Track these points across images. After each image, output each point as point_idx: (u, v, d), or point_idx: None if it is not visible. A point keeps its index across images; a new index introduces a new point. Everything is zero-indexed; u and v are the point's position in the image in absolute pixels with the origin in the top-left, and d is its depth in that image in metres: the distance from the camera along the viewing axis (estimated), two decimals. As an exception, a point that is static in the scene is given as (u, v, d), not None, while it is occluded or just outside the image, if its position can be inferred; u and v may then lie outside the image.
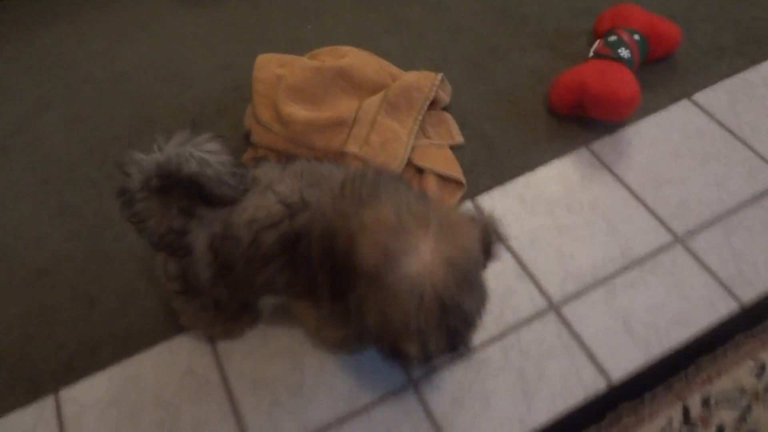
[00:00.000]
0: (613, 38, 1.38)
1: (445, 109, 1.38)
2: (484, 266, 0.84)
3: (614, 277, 1.17)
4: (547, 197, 1.27)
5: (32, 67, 1.56)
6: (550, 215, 1.25)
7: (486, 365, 1.07)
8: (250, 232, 0.86)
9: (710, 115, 1.39)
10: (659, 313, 1.12)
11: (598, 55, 1.37)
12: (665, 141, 1.35)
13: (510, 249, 1.20)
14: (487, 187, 1.29)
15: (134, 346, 1.11)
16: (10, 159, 1.37)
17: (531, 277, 1.17)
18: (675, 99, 1.42)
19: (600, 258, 1.19)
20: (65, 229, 1.25)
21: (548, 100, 1.40)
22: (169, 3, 1.71)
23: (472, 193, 1.28)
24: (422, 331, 0.77)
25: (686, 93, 1.43)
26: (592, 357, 1.08)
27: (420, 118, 1.27)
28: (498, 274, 1.15)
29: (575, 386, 1.05)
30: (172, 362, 1.09)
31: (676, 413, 1.01)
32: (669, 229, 1.22)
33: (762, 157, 1.32)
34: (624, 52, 1.35)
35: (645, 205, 1.26)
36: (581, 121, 1.37)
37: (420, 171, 1.25)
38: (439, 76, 1.33)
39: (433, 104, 1.33)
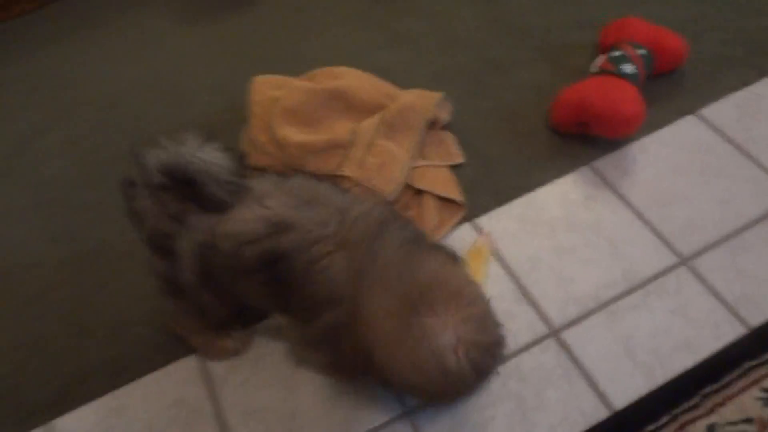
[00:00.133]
0: (616, 53, 1.34)
1: (445, 126, 1.36)
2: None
3: (616, 301, 1.13)
4: (548, 218, 1.24)
5: (29, 89, 1.56)
6: (551, 237, 1.22)
7: (484, 393, 1.04)
8: (233, 244, 0.87)
9: (717, 130, 1.35)
10: (663, 337, 1.09)
11: (601, 71, 1.34)
12: (670, 158, 1.32)
13: (509, 271, 1.17)
14: (487, 208, 1.26)
15: (126, 376, 1.09)
16: (6, 183, 1.37)
17: (531, 301, 1.14)
18: (681, 114, 1.38)
19: (602, 281, 1.16)
20: (60, 255, 1.24)
21: (550, 118, 1.37)
22: (165, 21, 1.70)
23: (472, 214, 1.25)
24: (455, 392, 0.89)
25: (693, 107, 1.39)
26: (593, 384, 1.04)
27: (418, 139, 1.25)
28: (497, 298, 1.12)
29: (575, 415, 1.02)
30: (163, 392, 1.07)
31: (681, 445, 0.98)
32: (673, 250, 1.19)
33: (770, 174, 1.28)
34: (628, 68, 1.31)
35: (649, 226, 1.22)
36: (584, 139, 1.34)
37: (418, 192, 1.23)
38: (438, 96, 1.31)
39: (433, 124, 1.31)
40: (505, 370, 1.07)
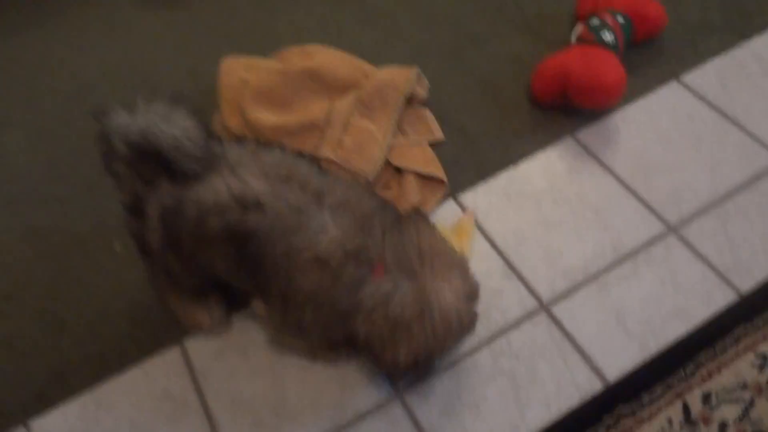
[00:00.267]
0: (595, 22, 1.32)
1: (422, 104, 1.32)
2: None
3: (606, 272, 1.11)
4: (532, 191, 1.22)
5: (-8, 82, 1.51)
6: (537, 210, 1.19)
7: (475, 371, 1.02)
8: (196, 212, 0.85)
9: (700, 97, 1.34)
10: (654, 307, 1.07)
11: (580, 40, 1.31)
12: (654, 126, 1.30)
13: (495, 247, 1.15)
14: (470, 184, 1.23)
15: (107, 371, 1.06)
16: (-28, 179, 1.32)
17: (519, 276, 1.12)
18: (663, 81, 1.36)
19: (590, 253, 1.14)
20: (31, 251, 1.19)
21: (531, 90, 1.34)
22: (131, 6, 1.64)
23: (455, 190, 1.22)
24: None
25: (674, 74, 1.37)
26: (586, 357, 1.03)
27: (396, 117, 1.22)
28: (484, 275, 1.10)
29: (569, 388, 1.00)
30: (147, 385, 1.04)
31: (676, 412, 0.96)
32: (661, 219, 1.17)
33: (756, 139, 1.26)
34: (608, 36, 1.29)
35: (635, 195, 1.20)
36: (565, 110, 1.31)
37: (399, 171, 1.20)
38: (415, 71, 1.27)
39: (410, 101, 1.27)
40: (496, 346, 1.05)
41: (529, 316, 1.07)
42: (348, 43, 1.40)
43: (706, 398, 0.97)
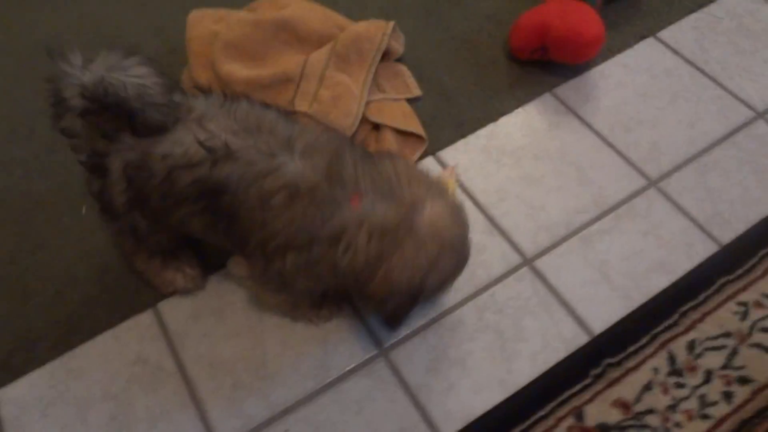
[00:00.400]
0: (572, -24, 1.30)
1: (398, 60, 1.29)
2: None
3: (588, 226, 1.11)
4: (512, 148, 1.20)
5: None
6: (518, 166, 1.18)
7: (460, 327, 1.01)
8: (164, 166, 0.81)
9: (677, 53, 1.33)
10: (637, 260, 1.07)
11: (557, -6, 1.29)
12: (632, 82, 1.29)
13: (477, 204, 1.13)
14: (450, 141, 1.21)
15: (77, 337, 1.01)
16: (-76, 143, 1.24)
17: (501, 232, 1.10)
18: (640, 38, 1.35)
19: (572, 207, 1.13)
20: (-9, 215, 1.13)
21: (508, 45, 1.32)
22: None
23: (434, 147, 1.20)
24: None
25: (651, 30, 1.36)
26: (570, 310, 1.02)
27: (373, 70, 1.18)
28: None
29: (556, 342, 0.99)
30: (120, 351, 1.00)
31: (662, 362, 0.96)
32: (642, 173, 1.16)
33: (732, 94, 1.26)
34: (585, -10, 1.27)
35: (616, 150, 1.19)
36: (544, 66, 1.30)
37: (377, 127, 1.17)
38: (391, 24, 1.24)
39: (386, 55, 1.24)
40: (480, 302, 1.03)
41: (512, 271, 1.06)
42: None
43: (690, 348, 0.97)
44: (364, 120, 1.15)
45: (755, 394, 0.93)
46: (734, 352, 0.97)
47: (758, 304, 1.01)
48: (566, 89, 1.28)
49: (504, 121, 1.24)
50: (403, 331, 1.00)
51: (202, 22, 1.18)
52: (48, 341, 1.00)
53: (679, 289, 1.03)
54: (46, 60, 1.07)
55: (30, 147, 1.21)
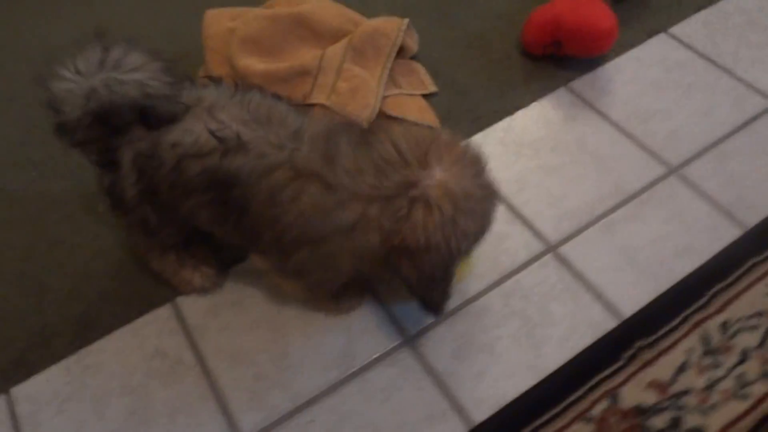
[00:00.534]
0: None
1: (413, 58, 1.30)
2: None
3: (611, 213, 1.09)
4: (530, 140, 1.19)
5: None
6: (536, 157, 1.17)
7: (486, 314, 0.98)
8: (173, 155, 0.79)
9: (689, 47, 1.33)
10: (662, 245, 1.05)
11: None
12: (646, 75, 1.29)
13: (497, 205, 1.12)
14: (466, 135, 1.20)
15: (93, 333, 0.99)
16: (-60, 148, 1.24)
17: (523, 220, 1.09)
18: (651, 33, 1.36)
19: (593, 195, 1.11)
20: (5, 215, 1.12)
21: (522, 41, 1.32)
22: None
23: (451, 141, 1.19)
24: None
25: (662, 27, 1.37)
26: (598, 295, 1.00)
27: (389, 65, 1.18)
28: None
29: (584, 326, 0.97)
30: (138, 345, 0.97)
31: (696, 343, 0.93)
32: (662, 161, 1.15)
33: (747, 84, 1.26)
34: (595, -14, 1.28)
35: (633, 140, 1.19)
36: (557, 61, 1.30)
37: (394, 121, 1.16)
38: (405, 20, 1.24)
39: (401, 52, 1.24)
40: (505, 288, 1.01)
41: (536, 258, 1.04)
42: (332, 2, 1.36)
43: (723, 327, 0.95)
44: (381, 114, 1.15)
45: (793, 373, 0.91)
46: (768, 333, 0.95)
47: (789, 285, 0.99)
48: (581, 83, 1.28)
49: (520, 114, 1.23)
50: (428, 318, 0.98)
51: (218, 20, 1.19)
52: (64, 337, 0.98)
53: (708, 271, 1.01)
54: (57, 65, 1.07)
55: (45, 149, 1.20)
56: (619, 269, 1.02)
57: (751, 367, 0.91)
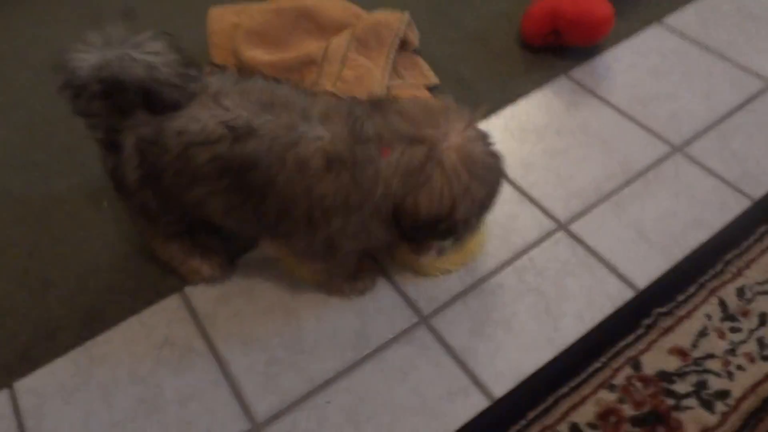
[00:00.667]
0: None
1: (415, 52, 1.30)
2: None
3: (619, 191, 1.09)
4: (534, 126, 1.20)
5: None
6: (541, 141, 1.17)
7: (501, 291, 0.97)
8: (178, 143, 0.78)
9: (684, 36, 1.36)
10: (672, 219, 1.05)
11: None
12: (644, 63, 1.30)
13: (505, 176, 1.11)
14: (470, 123, 1.20)
15: (100, 325, 0.96)
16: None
17: (533, 201, 1.08)
18: (646, 24, 1.38)
19: (600, 175, 1.11)
20: (9, 215, 1.10)
21: (521, 32, 1.34)
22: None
23: (455, 130, 1.19)
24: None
25: (656, 17, 1.39)
26: (612, 269, 0.99)
27: (392, 56, 1.19)
28: (497, 203, 1.06)
29: (601, 299, 0.95)
30: (146, 335, 0.95)
31: (714, 309, 0.92)
32: (665, 140, 1.16)
33: (743, 67, 1.28)
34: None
35: (636, 122, 1.19)
36: (557, 51, 1.31)
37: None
38: (406, 14, 1.26)
39: (403, 46, 1.25)
40: (519, 265, 1.00)
41: (548, 235, 1.03)
42: None
43: (740, 292, 0.94)
44: (385, 104, 1.15)
45: (815, 334, 0.90)
46: (786, 297, 0.94)
47: (802, 252, 0.99)
48: (580, 72, 1.29)
49: (522, 102, 1.24)
50: (442, 297, 0.97)
51: (223, 17, 1.20)
52: (70, 330, 0.96)
53: (720, 241, 1.01)
54: (60, 72, 1.08)
55: (48, 150, 1.19)
56: (631, 244, 1.02)
57: (772, 330, 0.90)
